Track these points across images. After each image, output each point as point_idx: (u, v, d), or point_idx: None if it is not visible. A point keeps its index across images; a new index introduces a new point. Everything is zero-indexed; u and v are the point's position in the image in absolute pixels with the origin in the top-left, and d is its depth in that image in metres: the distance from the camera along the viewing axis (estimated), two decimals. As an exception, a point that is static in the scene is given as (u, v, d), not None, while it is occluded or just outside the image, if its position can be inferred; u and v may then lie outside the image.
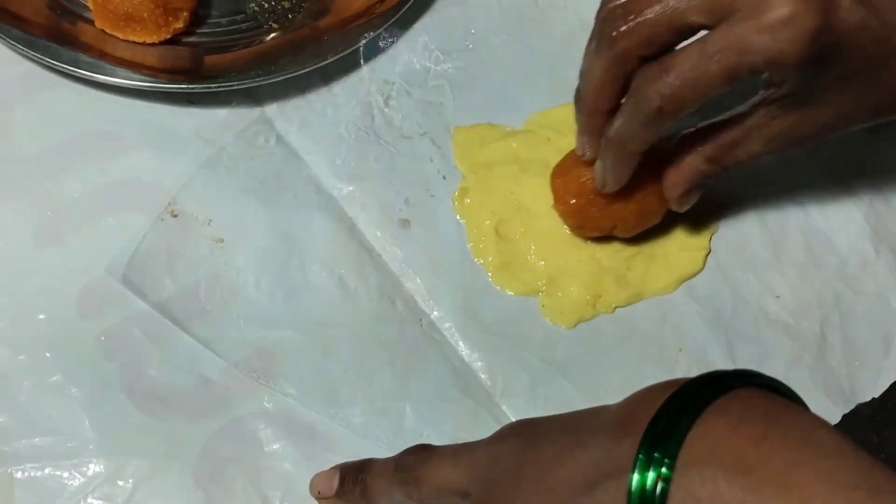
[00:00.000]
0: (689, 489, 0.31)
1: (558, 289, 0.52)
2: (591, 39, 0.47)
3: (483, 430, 0.48)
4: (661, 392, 0.34)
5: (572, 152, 0.52)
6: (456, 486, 0.40)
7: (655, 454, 0.32)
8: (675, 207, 0.51)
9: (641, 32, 0.44)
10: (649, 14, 0.43)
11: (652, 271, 0.53)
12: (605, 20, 0.45)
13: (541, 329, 0.52)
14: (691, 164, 0.49)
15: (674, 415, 0.33)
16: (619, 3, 0.44)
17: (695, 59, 0.42)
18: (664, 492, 0.31)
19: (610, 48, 0.45)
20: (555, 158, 0.53)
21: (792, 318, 0.52)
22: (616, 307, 0.52)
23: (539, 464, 0.37)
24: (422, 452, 0.43)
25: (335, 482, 0.45)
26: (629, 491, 0.32)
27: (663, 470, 0.32)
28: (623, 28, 0.44)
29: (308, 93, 0.57)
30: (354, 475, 0.44)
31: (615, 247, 0.53)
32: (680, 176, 0.49)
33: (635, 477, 0.32)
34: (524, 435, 0.39)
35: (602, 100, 0.47)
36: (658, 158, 0.49)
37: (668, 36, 0.43)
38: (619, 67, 0.45)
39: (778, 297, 0.53)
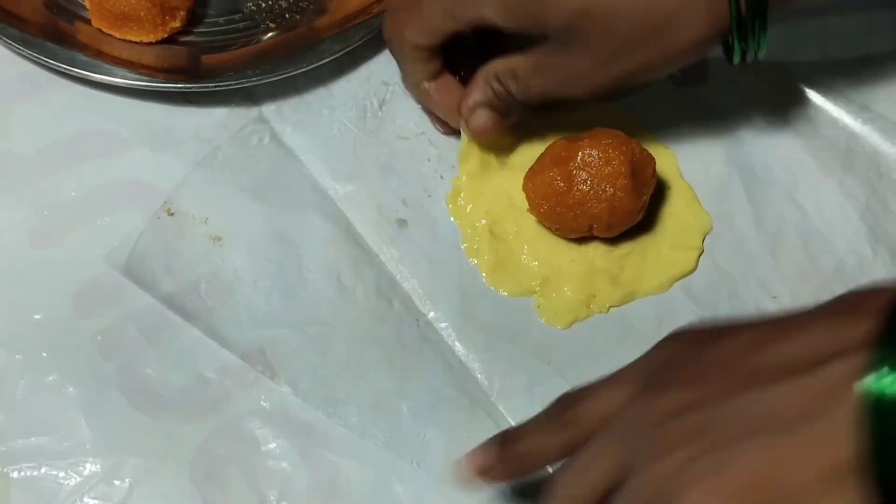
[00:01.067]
0: None
1: (552, 289, 0.52)
2: None
3: (480, 429, 0.48)
4: (882, 289, 0.34)
5: (543, 156, 0.52)
6: (620, 406, 0.38)
7: None
8: (467, 126, 0.54)
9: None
10: None
11: (645, 271, 0.53)
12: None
13: (538, 329, 0.52)
14: (483, 80, 0.52)
15: None
16: None
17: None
18: None
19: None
20: None
21: (789, 318, 0.52)
22: (610, 307, 0.52)
23: (728, 350, 0.35)
24: (574, 394, 0.41)
25: (493, 451, 0.42)
26: (865, 366, 0.31)
27: None
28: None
29: (305, 93, 0.57)
30: (509, 438, 0.42)
31: (608, 247, 0.53)
32: (473, 90, 0.53)
33: (878, 353, 0.31)
34: (690, 336, 0.38)
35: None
36: (628, 160, 0.50)
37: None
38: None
39: (775, 297, 0.53)
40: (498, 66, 0.52)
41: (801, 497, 0.32)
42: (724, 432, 0.34)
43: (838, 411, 0.32)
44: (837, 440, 0.32)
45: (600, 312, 0.52)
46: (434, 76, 0.54)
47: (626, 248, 0.53)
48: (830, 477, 0.32)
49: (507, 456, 0.42)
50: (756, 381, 0.34)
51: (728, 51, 0.49)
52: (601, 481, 0.37)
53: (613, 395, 0.39)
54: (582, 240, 0.53)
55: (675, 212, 0.54)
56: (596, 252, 0.53)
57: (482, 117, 0.53)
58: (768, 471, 0.33)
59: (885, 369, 0.31)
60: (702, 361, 0.36)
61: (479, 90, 0.52)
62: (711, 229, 0.55)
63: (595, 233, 0.52)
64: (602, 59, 0.48)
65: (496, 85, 0.52)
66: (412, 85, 0.55)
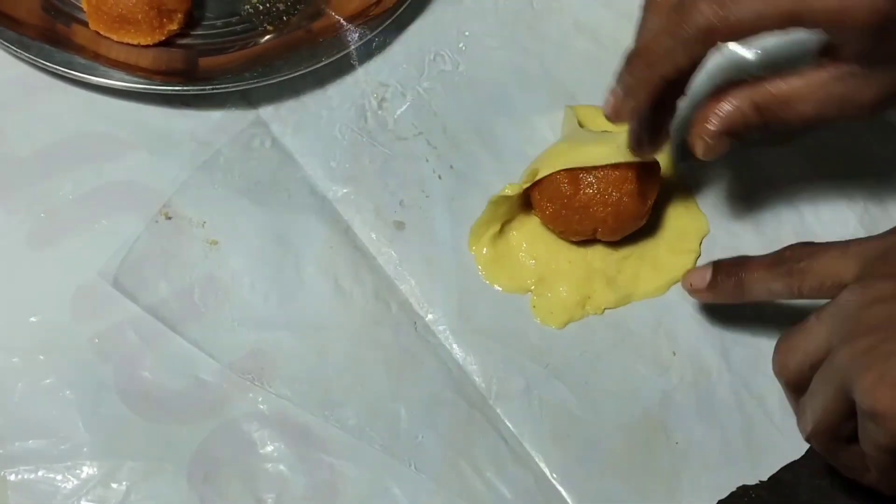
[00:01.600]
0: None
1: (547, 288, 0.52)
2: None
3: (478, 433, 0.48)
4: None
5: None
6: (841, 276, 0.43)
7: None
8: (698, 151, 0.47)
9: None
10: None
11: (642, 274, 0.53)
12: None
13: (535, 332, 0.52)
14: (736, 105, 0.45)
15: None
16: None
17: None
18: None
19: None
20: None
21: (787, 321, 0.52)
22: (605, 309, 0.52)
23: None
24: (806, 247, 0.46)
25: (708, 275, 0.48)
26: None
27: None
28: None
29: (303, 95, 0.57)
30: (729, 269, 0.48)
31: (607, 249, 0.53)
32: (720, 112, 0.46)
33: None
34: None
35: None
36: (635, 165, 0.50)
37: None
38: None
39: (773, 300, 0.53)
40: (758, 93, 0.45)
41: None
42: None
43: None
44: None
45: (595, 314, 0.52)
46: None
47: (624, 251, 0.53)
48: None
49: (729, 281, 0.47)
50: None
51: None
52: (811, 355, 0.42)
53: (840, 265, 0.43)
54: (582, 242, 0.53)
55: (673, 215, 0.54)
56: (595, 254, 0.53)
57: (719, 148, 0.47)
58: None
59: None
60: None
61: (726, 117, 0.46)
62: (708, 232, 0.54)
63: (599, 236, 0.52)
64: None
65: (752, 113, 0.45)
66: (657, 72, 0.44)
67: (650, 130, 0.48)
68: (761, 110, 0.45)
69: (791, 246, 0.47)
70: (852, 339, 0.39)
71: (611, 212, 0.50)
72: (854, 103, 0.45)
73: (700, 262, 0.54)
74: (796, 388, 0.44)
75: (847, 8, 0.40)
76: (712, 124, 0.46)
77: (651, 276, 0.53)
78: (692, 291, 0.49)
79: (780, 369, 0.45)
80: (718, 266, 0.48)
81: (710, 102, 0.46)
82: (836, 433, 0.42)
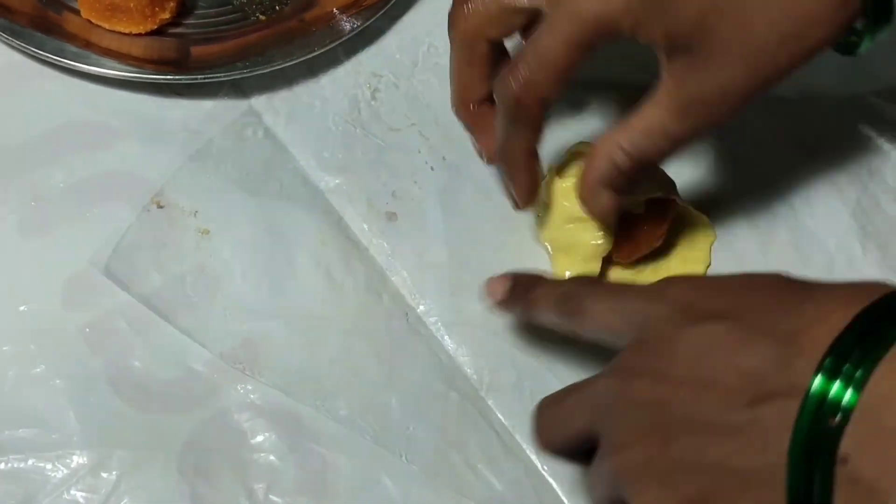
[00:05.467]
0: (877, 421, 0.28)
1: None
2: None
3: (469, 424, 0.48)
4: (843, 302, 0.31)
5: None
6: (615, 328, 0.40)
7: (839, 380, 0.29)
8: (586, 208, 0.47)
9: (479, 12, 0.46)
10: None
11: None
12: (453, 9, 0.48)
13: (527, 324, 0.51)
14: (605, 156, 0.44)
15: (866, 335, 0.30)
16: None
17: (537, 40, 0.43)
18: (841, 427, 0.29)
19: (456, 32, 0.48)
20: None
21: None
22: None
23: (697, 348, 0.35)
24: (588, 285, 0.43)
25: (505, 290, 0.46)
26: (800, 415, 0.30)
27: (847, 397, 0.29)
28: (464, 12, 0.47)
29: (295, 85, 0.57)
30: (523, 289, 0.45)
31: (621, 266, 0.52)
32: (590, 167, 0.45)
33: (810, 402, 0.30)
34: (680, 302, 0.38)
35: (463, 90, 0.51)
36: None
37: (504, 16, 0.46)
38: (468, 52, 0.48)
39: (764, 293, 0.53)
40: (620, 134, 0.44)
41: None
42: (679, 445, 0.35)
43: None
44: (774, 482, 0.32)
45: None
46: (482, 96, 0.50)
47: (638, 266, 0.52)
48: None
49: (517, 302, 0.46)
50: (711, 393, 0.34)
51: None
52: (573, 437, 0.41)
53: (608, 316, 0.41)
54: None
55: (681, 225, 0.53)
56: (610, 272, 0.52)
57: (605, 202, 0.46)
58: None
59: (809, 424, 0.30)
60: (675, 355, 0.36)
61: (598, 169, 0.45)
62: (715, 239, 0.54)
63: (614, 259, 0.51)
64: (742, 65, 0.41)
65: (622, 159, 0.44)
66: (517, 153, 0.47)
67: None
68: (629, 151, 0.44)
69: (577, 279, 0.44)
70: (617, 450, 0.37)
71: (625, 235, 0.49)
72: (707, 103, 0.42)
73: (710, 272, 0.53)
74: (570, 456, 0.44)
75: (609, 4, 0.42)
76: (586, 183, 0.46)
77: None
78: (489, 301, 0.47)
79: (546, 446, 0.44)
80: (517, 281, 0.46)
81: (588, 163, 0.46)
82: None
